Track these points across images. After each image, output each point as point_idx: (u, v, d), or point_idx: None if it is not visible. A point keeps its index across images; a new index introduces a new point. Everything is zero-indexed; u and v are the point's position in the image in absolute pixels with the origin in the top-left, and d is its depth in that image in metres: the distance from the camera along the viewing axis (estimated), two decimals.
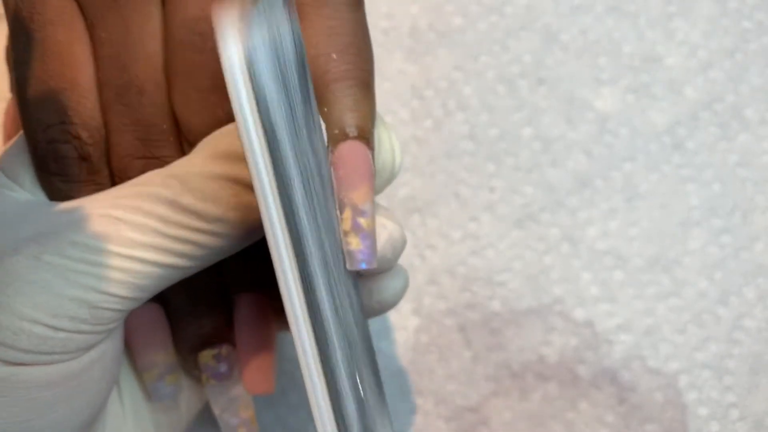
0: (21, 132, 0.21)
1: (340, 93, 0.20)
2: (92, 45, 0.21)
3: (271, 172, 0.17)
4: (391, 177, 0.21)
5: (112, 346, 0.20)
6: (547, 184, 0.30)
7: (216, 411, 0.23)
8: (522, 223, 0.30)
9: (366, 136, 0.20)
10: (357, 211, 0.19)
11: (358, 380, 0.19)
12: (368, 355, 0.21)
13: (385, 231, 0.20)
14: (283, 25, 0.17)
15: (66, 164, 0.20)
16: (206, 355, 0.23)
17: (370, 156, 0.20)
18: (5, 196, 0.21)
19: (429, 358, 0.30)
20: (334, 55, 0.20)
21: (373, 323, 0.30)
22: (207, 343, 0.23)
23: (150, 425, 0.23)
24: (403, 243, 0.21)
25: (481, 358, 0.30)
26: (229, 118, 0.20)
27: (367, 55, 0.21)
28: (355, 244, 0.19)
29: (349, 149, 0.20)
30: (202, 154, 0.20)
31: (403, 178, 0.30)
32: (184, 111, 0.21)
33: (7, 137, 0.25)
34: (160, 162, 0.21)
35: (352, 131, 0.20)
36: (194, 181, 0.19)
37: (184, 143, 0.21)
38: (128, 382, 0.23)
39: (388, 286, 0.22)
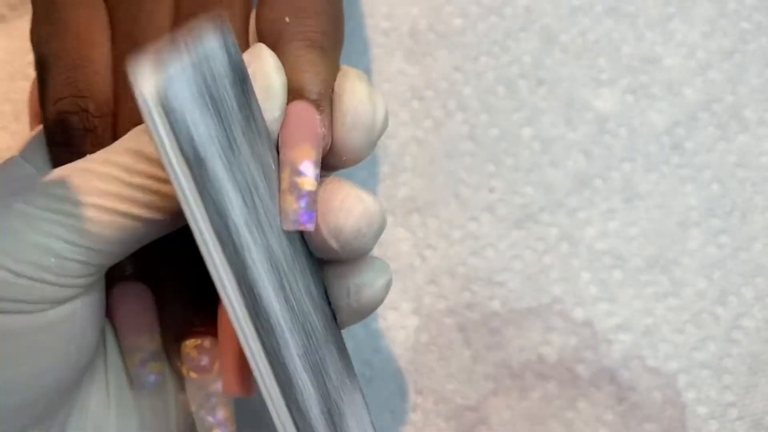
0: None
1: (289, 55, 0.20)
2: (111, 26, 0.22)
3: (197, 196, 0.17)
4: (371, 132, 0.21)
5: (83, 308, 0.20)
6: (546, 184, 0.30)
7: (193, 407, 0.22)
8: (521, 223, 0.30)
9: (314, 98, 0.20)
10: (294, 171, 0.19)
11: (319, 369, 0.20)
12: (334, 341, 0.21)
13: (361, 204, 0.19)
14: (212, 43, 0.17)
15: (72, 135, 0.21)
16: (189, 345, 0.22)
17: (317, 117, 0.20)
18: (10, 169, 0.21)
19: (429, 358, 0.30)
20: (287, 18, 0.20)
21: (372, 323, 0.30)
22: (191, 331, 0.22)
23: (134, 418, 0.23)
24: (382, 219, 0.20)
25: (481, 357, 0.30)
26: None
27: (328, 17, 0.20)
28: (289, 202, 0.19)
29: (292, 109, 0.20)
30: None
31: (403, 179, 0.30)
32: None
33: (33, 115, 0.26)
34: None
35: (298, 91, 0.20)
36: None
37: None
38: (115, 372, 0.23)
39: (365, 281, 0.21)
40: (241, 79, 0.18)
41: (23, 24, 0.28)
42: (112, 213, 0.19)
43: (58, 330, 0.19)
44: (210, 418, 0.22)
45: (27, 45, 0.23)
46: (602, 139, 0.31)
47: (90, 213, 0.19)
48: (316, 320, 0.20)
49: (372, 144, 0.21)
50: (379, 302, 0.21)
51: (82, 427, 0.21)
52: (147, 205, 0.19)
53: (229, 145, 0.18)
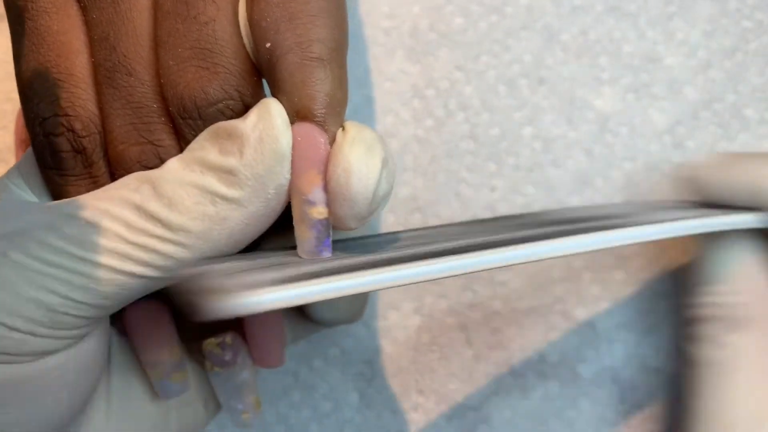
0: None
1: (286, 71, 0.19)
2: (86, 29, 0.20)
3: None
4: (354, 206, 0.19)
5: (77, 357, 0.20)
6: (547, 183, 0.30)
7: (221, 398, 0.23)
8: None
9: (317, 118, 0.18)
10: (304, 200, 0.18)
11: None
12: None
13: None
14: None
15: (61, 158, 0.20)
16: (211, 344, 0.23)
17: (321, 139, 0.18)
18: (6, 194, 0.21)
19: (430, 357, 0.30)
20: (282, 26, 0.19)
21: (374, 322, 0.30)
22: (211, 331, 0.23)
23: (132, 425, 0.23)
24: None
25: (483, 357, 0.30)
26: (201, 89, 0.19)
27: (325, 20, 0.19)
28: (303, 232, 0.19)
29: (296, 132, 0.18)
30: (180, 159, 0.19)
31: (404, 178, 0.30)
32: (163, 82, 0.20)
33: (18, 140, 0.25)
34: (155, 147, 0.20)
35: (300, 112, 0.18)
36: (164, 186, 0.19)
37: (177, 119, 0.20)
38: (118, 384, 0.23)
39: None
40: None
41: None
42: (109, 271, 0.18)
43: (49, 378, 0.19)
44: (240, 405, 0.23)
45: None
46: (603, 138, 0.31)
47: (87, 269, 0.18)
48: None
49: (358, 217, 0.19)
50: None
51: None
52: (146, 264, 0.18)
53: None
